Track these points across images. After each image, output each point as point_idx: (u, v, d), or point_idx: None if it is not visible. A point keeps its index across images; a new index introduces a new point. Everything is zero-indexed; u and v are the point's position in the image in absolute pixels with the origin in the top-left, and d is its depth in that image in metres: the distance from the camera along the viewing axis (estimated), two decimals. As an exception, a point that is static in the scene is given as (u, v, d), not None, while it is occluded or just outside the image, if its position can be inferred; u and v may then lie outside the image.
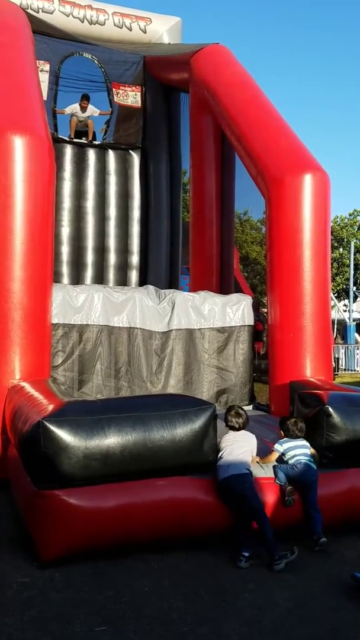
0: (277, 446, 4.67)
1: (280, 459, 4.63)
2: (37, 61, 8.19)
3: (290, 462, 4.57)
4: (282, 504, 4.39)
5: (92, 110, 10.95)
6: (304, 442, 4.67)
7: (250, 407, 7.17)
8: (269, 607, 3.56)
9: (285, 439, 4.70)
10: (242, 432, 4.65)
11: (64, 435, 3.95)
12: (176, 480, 4.29)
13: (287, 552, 4.06)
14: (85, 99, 10.83)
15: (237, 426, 4.63)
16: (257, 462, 4.62)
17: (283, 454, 4.63)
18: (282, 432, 4.77)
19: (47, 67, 10.50)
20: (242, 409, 4.76)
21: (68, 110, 10.81)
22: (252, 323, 7.36)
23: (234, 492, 4.27)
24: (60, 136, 10.75)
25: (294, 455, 4.58)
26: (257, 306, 7.51)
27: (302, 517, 4.44)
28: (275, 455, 4.64)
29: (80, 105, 10.82)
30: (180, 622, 3.35)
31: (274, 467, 4.57)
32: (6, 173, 5.65)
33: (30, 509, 4.19)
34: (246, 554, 4.08)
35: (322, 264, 6.59)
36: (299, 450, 4.60)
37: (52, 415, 4.04)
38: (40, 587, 3.73)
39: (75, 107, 10.83)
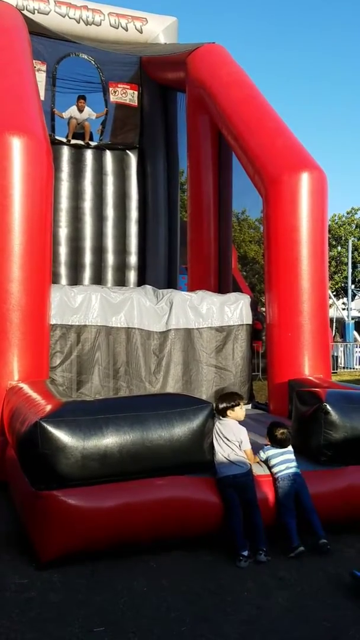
0: (260, 453, 4.62)
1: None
2: (34, 61, 8.18)
3: (276, 475, 4.49)
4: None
5: (89, 112, 10.94)
6: (290, 452, 4.59)
7: (249, 406, 7.17)
8: (269, 606, 3.55)
9: (269, 446, 4.64)
10: (233, 422, 4.58)
11: (62, 435, 3.94)
12: (175, 480, 4.27)
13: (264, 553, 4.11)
14: (82, 98, 10.84)
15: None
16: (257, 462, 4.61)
17: (266, 461, 4.58)
18: (268, 439, 4.70)
19: (44, 67, 10.51)
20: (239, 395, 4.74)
21: (66, 114, 10.82)
22: (250, 322, 7.36)
23: (233, 489, 4.29)
24: (57, 137, 10.76)
25: (279, 471, 4.48)
26: (255, 305, 7.51)
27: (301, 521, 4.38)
28: (256, 460, 4.58)
29: (77, 105, 10.82)
30: (180, 622, 3.35)
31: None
32: (4, 174, 5.65)
33: (28, 510, 4.18)
34: (245, 554, 4.08)
35: (320, 262, 6.59)
36: (283, 463, 4.51)
37: (50, 416, 4.04)
38: (39, 588, 3.72)
39: (73, 110, 10.83)
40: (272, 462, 4.57)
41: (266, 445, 4.69)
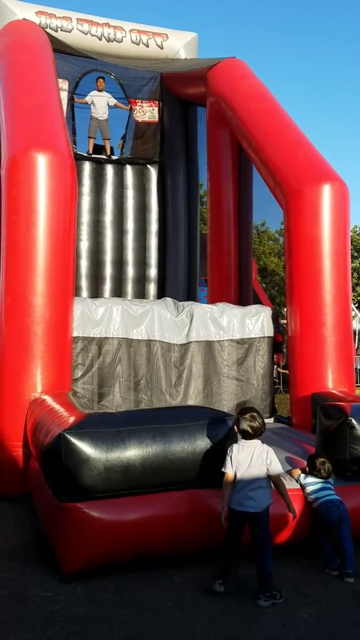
0: (301, 478, 4.52)
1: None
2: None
3: (314, 505, 4.36)
4: None
5: (108, 96, 10.97)
6: (329, 484, 4.46)
7: (271, 420, 7.11)
8: (294, 623, 3.49)
9: (310, 476, 4.51)
10: (255, 443, 3.97)
11: (85, 447, 3.96)
12: (197, 493, 4.25)
13: (277, 594, 3.74)
14: (101, 78, 10.92)
15: (251, 432, 3.95)
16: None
17: (303, 488, 4.47)
18: (307, 468, 4.58)
19: (65, 85, 10.71)
20: (258, 413, 4.07)
21: (88, 98, 10.90)
22: (271, 334, 7.31)
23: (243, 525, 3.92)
24: (78, 152, 10.92)
25: (322, 497, 4.35)
26: (276, 317, 7.47)
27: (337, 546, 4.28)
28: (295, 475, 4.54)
29: (96, 85, 10.87)
30: (204, 638, 3.31)
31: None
32: (30, 190, 5.75)
33: (52, 522, 4.19)
34: (220, 581, 3.84)
35: (342, 274, 6.55)
36: (324, 490, 4.39)
37: (73, 428, 4.06)
38: (63, 601, 3.71)
39: (93, 94, 10.89)
40: (312, 488, 4.43)
41: (302, 473, 4.58)
